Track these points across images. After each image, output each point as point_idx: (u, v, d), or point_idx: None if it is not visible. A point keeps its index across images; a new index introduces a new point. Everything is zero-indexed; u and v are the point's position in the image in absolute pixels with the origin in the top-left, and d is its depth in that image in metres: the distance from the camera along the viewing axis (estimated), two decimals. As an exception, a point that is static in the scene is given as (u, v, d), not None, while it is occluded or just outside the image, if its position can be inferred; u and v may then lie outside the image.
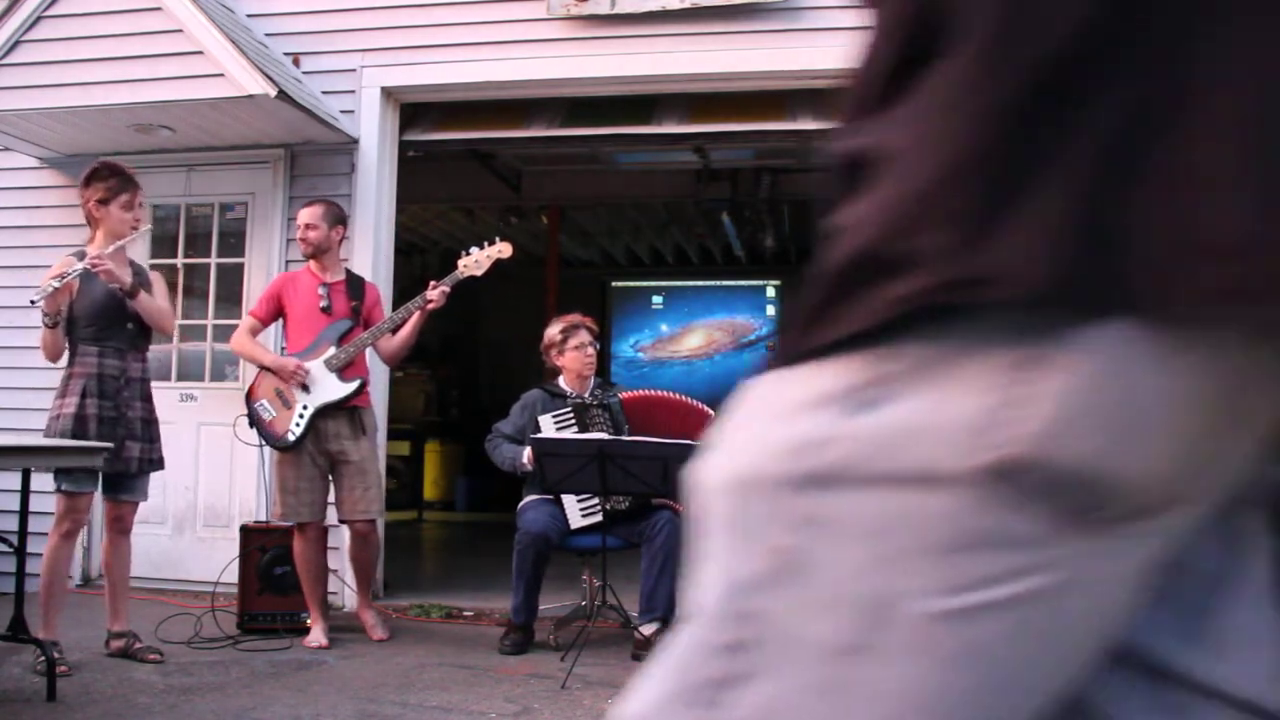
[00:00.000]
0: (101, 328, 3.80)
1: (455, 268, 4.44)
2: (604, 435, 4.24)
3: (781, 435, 0.49)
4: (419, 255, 9.57)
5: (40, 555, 3.69)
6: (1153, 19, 0.45)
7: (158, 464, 3.92)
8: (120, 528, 3.90)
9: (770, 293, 10.28)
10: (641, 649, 4.03)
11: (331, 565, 4.67)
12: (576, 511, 4.29)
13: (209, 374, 5.65)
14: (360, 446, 4.35)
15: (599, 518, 4.18)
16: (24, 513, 3.54)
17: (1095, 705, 0.56)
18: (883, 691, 0.47)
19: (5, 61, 5.03)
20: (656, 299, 10.64)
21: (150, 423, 3.90)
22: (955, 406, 0.45)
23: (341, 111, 5.42)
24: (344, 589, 5.05)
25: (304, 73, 5.44)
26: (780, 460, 0.49)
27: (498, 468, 4.45)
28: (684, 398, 4.62)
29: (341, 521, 4.41)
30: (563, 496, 4.27)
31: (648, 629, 4.08)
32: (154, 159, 5.53)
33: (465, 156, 6.75)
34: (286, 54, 5.46)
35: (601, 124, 5.57)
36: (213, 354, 5.63)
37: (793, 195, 7.48)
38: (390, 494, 5.72)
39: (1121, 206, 0.44)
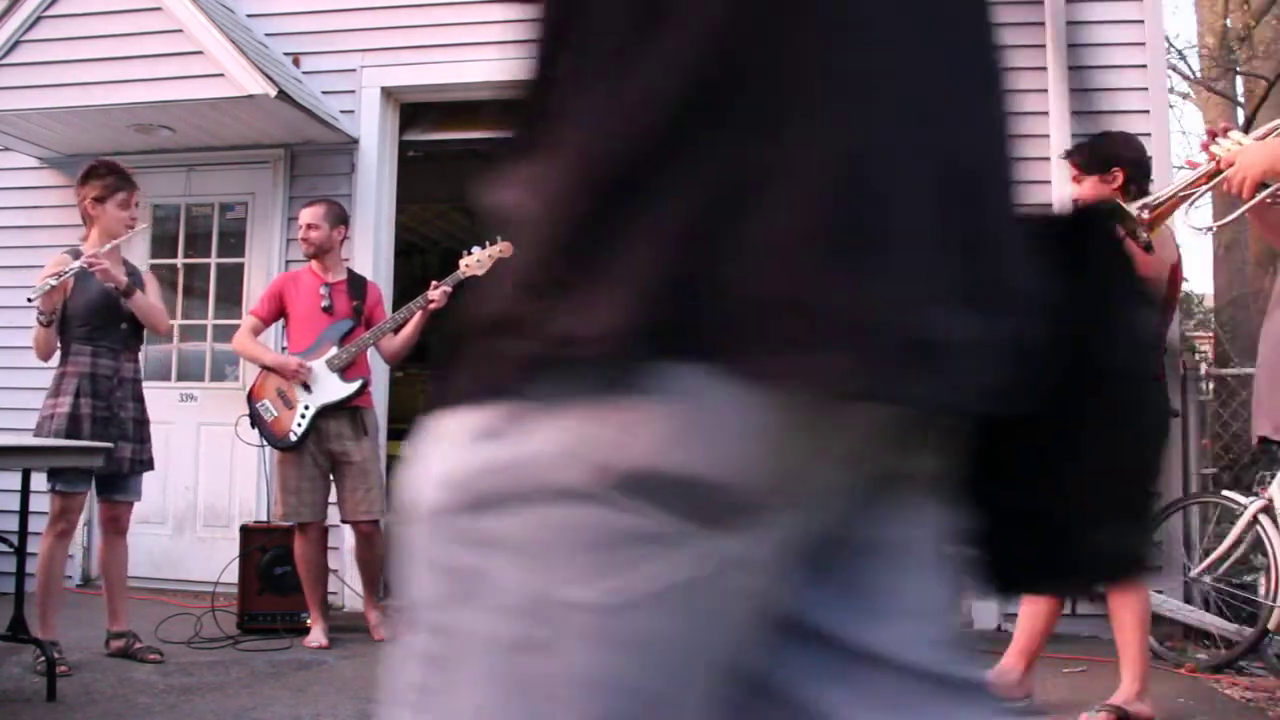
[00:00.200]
0: (95, 327, 3.78)
1: (456, 268, 4.44)
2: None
3: (447, 468, 0.58)
4: (419, 255, 9.56)
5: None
6: (737, 112, 0.53)
7: (148, 464, 3.91)
8: (116, 528, 3.89)
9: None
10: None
11: (332, 565, 4.67)
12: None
13: (209, 374, 5.65)
14: (362, 447, 4.34)
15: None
16: (24, 513, 3.53)
17: (771, 677, 0.64)
18: (561, 680, 0.55)
19: (5, 61, 5.04)
20: (656, 299, 10.63)
21: (142, 423, 3.88)
22: (577, 436, 0.54)
23: (341, 111, 5.42)
24: (344, 589, 5.05)
25: (304, 73, 5.44)
26: (450, 490, 0.57)
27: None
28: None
29: (344, 522, 4.41)
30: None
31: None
32: (154, 159, 5.53)
33: (465, 156, 6.75)
34: (286, 54, 5.47)
35: (601, 123, 5.57)
36: (213, 354, 5.64)
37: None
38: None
39: (702, 271, 0.52)
